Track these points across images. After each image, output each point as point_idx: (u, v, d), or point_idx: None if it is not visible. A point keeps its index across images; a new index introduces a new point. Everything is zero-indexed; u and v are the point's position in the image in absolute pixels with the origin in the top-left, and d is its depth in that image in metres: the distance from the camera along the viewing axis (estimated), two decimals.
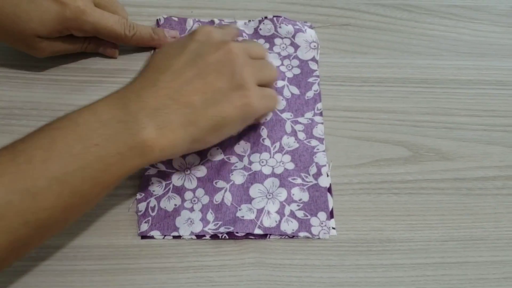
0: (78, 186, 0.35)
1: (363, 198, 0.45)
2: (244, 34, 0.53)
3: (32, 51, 0.48)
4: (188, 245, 0.42)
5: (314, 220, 0.44)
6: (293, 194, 0.45)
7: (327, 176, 0.46)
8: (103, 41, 0.50)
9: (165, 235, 0.43)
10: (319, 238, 0.43)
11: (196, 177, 0.45)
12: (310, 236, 0.43)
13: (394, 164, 0.47)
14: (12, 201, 0.32)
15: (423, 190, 0.46)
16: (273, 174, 0.46)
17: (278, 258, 0.42)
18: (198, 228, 0.43)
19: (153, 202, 0.44)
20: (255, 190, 0.45)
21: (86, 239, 0.42)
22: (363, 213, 0.45)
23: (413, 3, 0.58)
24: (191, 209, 0.44)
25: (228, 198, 0.44)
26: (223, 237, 0.43)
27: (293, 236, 0.43)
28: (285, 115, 0.49)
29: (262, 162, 0.46)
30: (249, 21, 0.54)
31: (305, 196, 0.45)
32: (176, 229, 0.43)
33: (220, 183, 0.45)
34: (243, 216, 0.43)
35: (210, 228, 0.43)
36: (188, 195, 0.44)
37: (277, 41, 0.53)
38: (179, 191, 0.44)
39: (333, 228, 0.44)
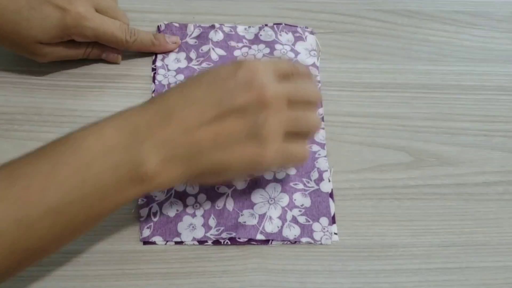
0: (73, 217, 0.34)
1: (365, 203, 0.45)
2: (244, 40, 0.54)
3: (35, 56, 0.48)
4: (190, 251, 0.42)
5: (316, 226, 0.44)
6: (295, 200, 0.45)
7: (329, 181, 0.46)
8: (106, 47, 0.50)
9: (167, 241, 0.43)
10: (321, 244, 0.43)
11: None
12: (312, 241, 0.43)
13: (396, 170, 0.47)
14: (4, 230, 0.31)
15: (425, 196, 0.46)
16: (275, 180, 0.46)
17: (280, 263, 0.42)
18: (200, 233, 0.43)
19: (155, 207, 0.44)
20: (256, 196, 0.45)
21: (88, 244, 0.42)
22: (365, 219, 0.45)
23: (414, 9, 0.58)
24: (193, 215, 0.44)
25: (230, 204, 0.44)
26: (225, 242, 0.43)
27: (296, 241, 0.43)
28: None
29: None
30: (249, 27, 0.55)
31: (307, 202, 0.45)
32: (178, 234, 0.43)
33: (222, 189, 0.45)
34: (245, 222, 0.43)
35: (212, 233, 0.43)
36: (190, 200, 0.44)
37: (278, 46, 0.53)
38: (181, 196, 0.44)
39: (335, 233, 0.44)
